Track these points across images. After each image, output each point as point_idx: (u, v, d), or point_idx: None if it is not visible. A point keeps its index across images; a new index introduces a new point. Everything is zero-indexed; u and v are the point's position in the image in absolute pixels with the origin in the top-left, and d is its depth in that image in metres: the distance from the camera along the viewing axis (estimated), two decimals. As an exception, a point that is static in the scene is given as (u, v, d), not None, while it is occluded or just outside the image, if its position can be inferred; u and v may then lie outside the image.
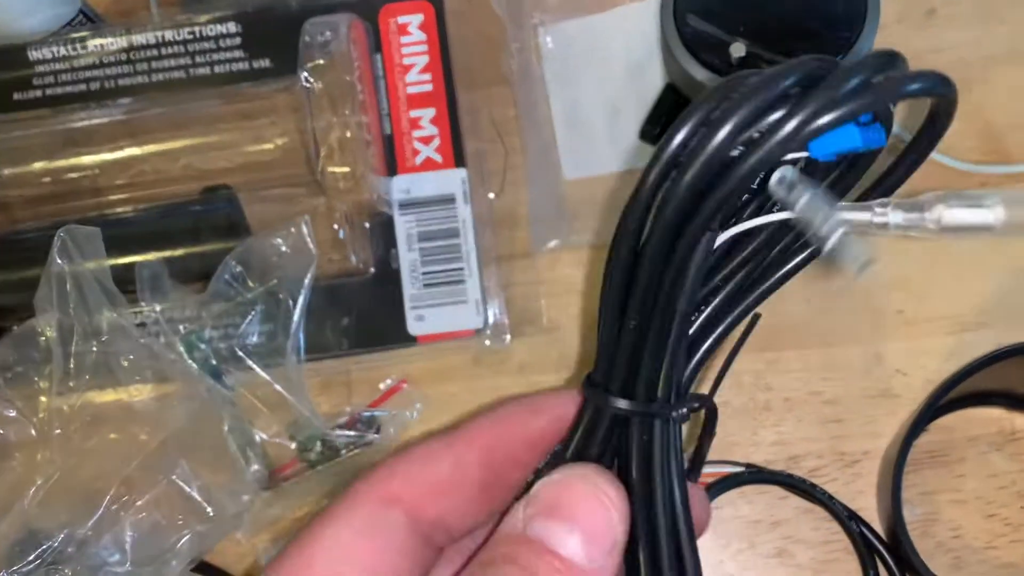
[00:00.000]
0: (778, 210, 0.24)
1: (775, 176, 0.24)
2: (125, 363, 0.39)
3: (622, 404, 0.25)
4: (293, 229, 0.44)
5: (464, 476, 0.25)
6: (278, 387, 0.45)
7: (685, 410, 0.25)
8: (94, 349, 0.38)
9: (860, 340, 0.46)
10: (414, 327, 0.48)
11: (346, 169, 0.45)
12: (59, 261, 0.36)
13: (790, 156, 0.23)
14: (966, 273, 0.46)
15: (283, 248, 0.44)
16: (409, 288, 0.48)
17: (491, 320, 0.48)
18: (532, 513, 0.23)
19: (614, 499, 0.23)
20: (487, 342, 0.48)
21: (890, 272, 0.46)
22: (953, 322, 0.45)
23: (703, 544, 0.45)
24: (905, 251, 0.47)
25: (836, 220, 0.23)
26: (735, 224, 0.25)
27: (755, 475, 0.44)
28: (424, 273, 0.48)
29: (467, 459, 0.26)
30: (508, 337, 0.48)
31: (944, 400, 0.43)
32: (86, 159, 0.49)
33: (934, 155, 0.47)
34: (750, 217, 0.25)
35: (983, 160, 0.47)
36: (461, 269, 0.48)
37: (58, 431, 0.38)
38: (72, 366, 0.38)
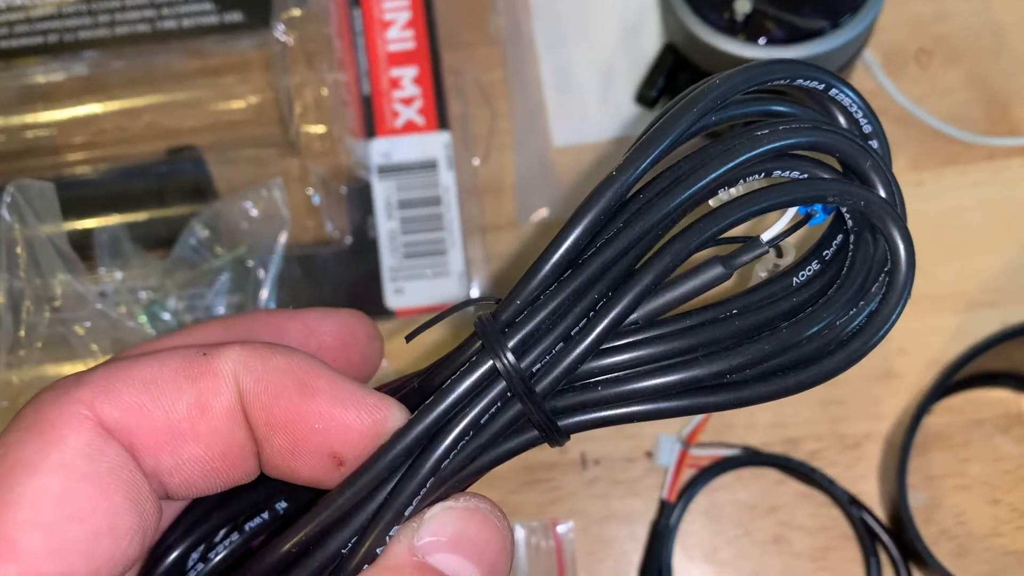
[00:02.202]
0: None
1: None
2: (81, 332, 0.36)
3: (509, 359, 0.19)
4: (264, 192, 0.41)
5: (206, 426, 0.19)
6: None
7: (554, 416, 0.20)
8: (47, 316, 0.35)
9: (862, 317, 0.43)
10: (393, 300, 0.45)
11: (322, 129, 0.42)
12: (8, 219, 0.33)
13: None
14: (973, 250, 0.44)
15: (253, 212, 0.41)
16: (388, 259, 0.45)
17: (475, 293, 0.46)
18: (432, 543, 0.20)
19: (509, 535, 0.21)
20: (470, 316, 0.46)
21: (894, 247, 0.44)
22: (958, 300, 0.43)
23: (697, 528, 0.43)
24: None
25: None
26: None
27: (752, 458, 0.41)
28: (404, 243, 0.45)
29: (214, 405, 0.19)
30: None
31: (950, 381, 0.41)
32: (43, 116, 0.46)
33: (940, 125, 0.45)
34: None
35: (989, 131, 0.45)
36: (443, 239, 0.46)
37: (5, 404, 0.35)
38: (23, 334, 0.35)
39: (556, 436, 0.20)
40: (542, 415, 0.20)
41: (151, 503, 0.19)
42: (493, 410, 0.20)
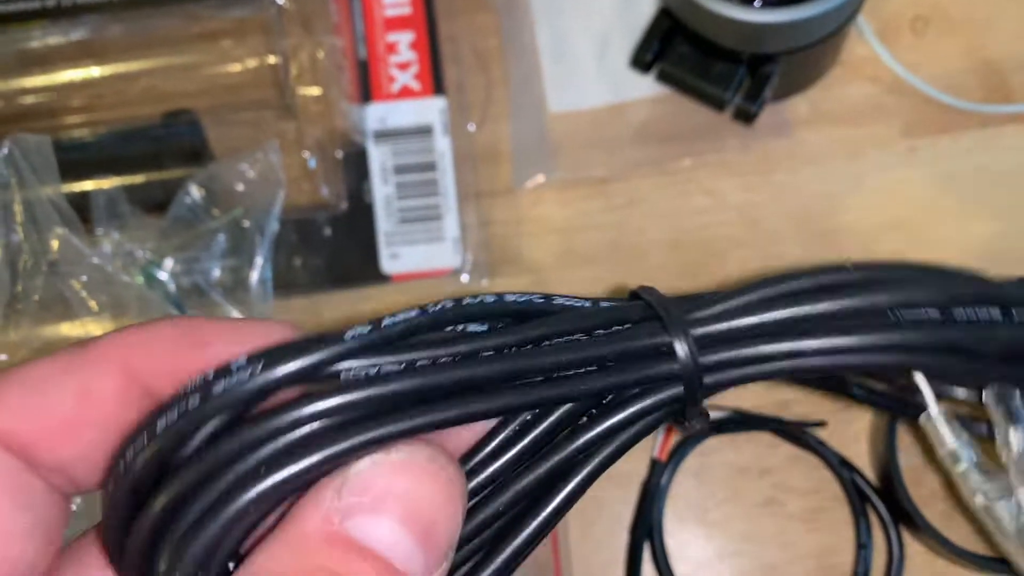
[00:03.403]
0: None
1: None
2: (78, 286, 0.36)
3: (682, 350, 0.19)
4: (260, 155, 0.41)
5: (95, 412, 0.19)
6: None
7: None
8: (44, 270, 0.35)
9: (855, 283, 0.44)
10: (388, 265, 0.46)
11: (317, 91, 0.42)
12: (5, 174, 0.34)
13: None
14: (966, 216, 0.44)
15: (250, 174, 0.42)
16: (383, 224, 0.46)
17: (470, 259, 0.46)
18: (352, 504, 0.17)
19: (460, 486, 0.18)
20: (465, 281, 0.46)
21: (889, 212, 0.44)
22: (953, 265, 0.44)
23: (687, 491, 0.43)
24: (903, 191, 0.45)
25: None
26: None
27: (743, 420, 0.42)
28: (399, 208, 0.46)
29: (99, 388, 0.19)
30: (487, 277, 0.46)
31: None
32: (41, 80, 0.46)
33: (934, 93, 0.45)
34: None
35: (985, 99, 0.46)
36: (438, 205, 0.46)
37: (3, 357, 0.35)
38: (20, 289, 0.36)
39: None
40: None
41: (51, 501, 0.19)
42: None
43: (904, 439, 0.42)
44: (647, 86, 0.46)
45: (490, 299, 0.19)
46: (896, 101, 0.46)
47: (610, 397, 0.20)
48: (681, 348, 0.19)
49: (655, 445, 0.41)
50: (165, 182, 0.43)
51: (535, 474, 0.19)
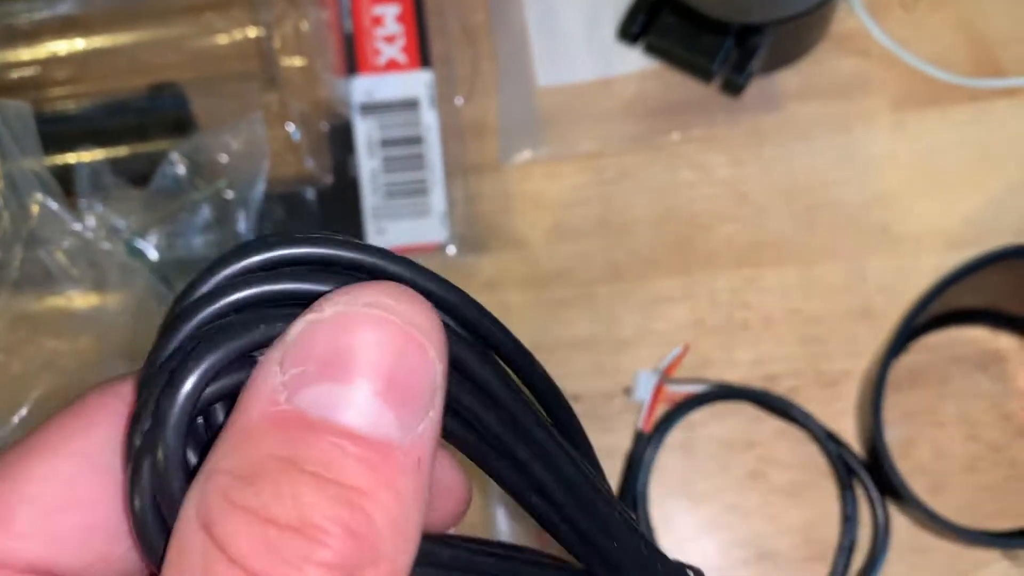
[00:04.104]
0: None
1: None
2: (59, 254, 0.36)
3: None
4: (244, 126, 0.41)
5: (62, 495, 0.17)
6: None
7: None
8: (23, 237, 0.35)
9: (842, 256, 0.44)
10: (374, 239, 0.45)
11: (302, 62, 0.42)
12: (-17, 140, 0.34)
13: None
14: (954, 190, 0.44)
15: (233, 145, 0.41)
16: (369, 198, 0.46)
17: (456, 234, 0.46)
18: (296, 375, 0.14)
19: (425, 328, 0.15)
20: (452, 256, 0.46)
21: (875, 185, 0.44)
22: (940, 238, 0.43)
23: (673, 464, 0.43)
24: (892, 164, 0.45)
25: None
26: None
27: (728, 392, 0.42)
28: (386, 183, 0.45)
29: (62, 471, 0.17)
30: (475, 252, 0.46)
31: (926, 318, 0.41)
32: (26, 54, 0.46)
33: (923, 67, 0.45)
34: None
35: (975, 73, 0.45)
36: (424, 179, 0.46)
37: (-18, 325, 0.35)
38: (-1, 257, 0.35)
39: None
40: None
41: None
42: None
43: (890, 413, 0.41)
44: (636, 60, 0.46)
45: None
46: (885, 75, 0.45)
47: None
48: None
49: (640, 417, 0.41)
50: (150, 154, 0.43)
51: None
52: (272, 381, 0.14)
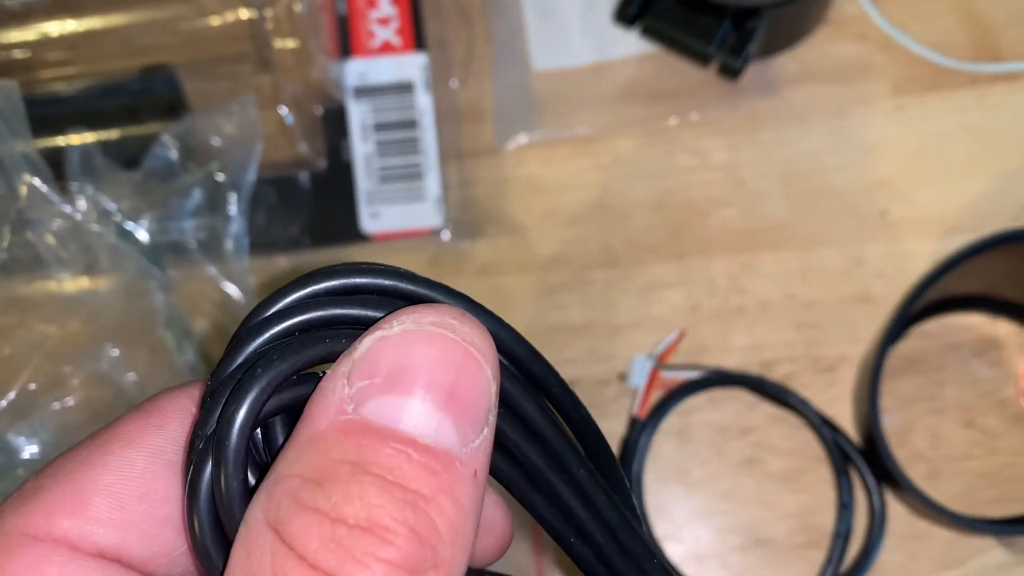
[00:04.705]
0: None
1: None
2: (48, 236, 0.35)
3: None
4: (236, 108, 0.41)
5: (135, 487, 0.18)
6: (220, 282, 0.42)
7: None
8: (12, 217, 0.35)
9: (840, 242, 0.43)
10: (368, 224, 0.45)
11: (294, 44, 0.41)
12: (-30, 120, 0.33)
13: None
14: (953, 175, 0.44)
15: (226, 128, 0.41)
16: (363, 182, 0.45)
17: (451, 218, 0.45)
18: (364, 388, 0.15)
19: (483, 349, 0.16)
20: (446, 241, 0.45)
21: (873, 171, 0.44)
22: (939, 224, 0.43)
23: (668, 450, 0.43)
24: (890, 150, 0.44)
25: None
26: None
27: (723, 377, 0.41)
28: (380, 167, 0.45)
29: (137, 464, 0.18)
30: (469, 237, 0.45)
31: (924, 304, 0.41)
32: (18, 35, 0.45)
33: (922, 51, 0.45)
34: None
35: (974, 58, 0.45)
36: (419, 163, 0.45)
37: (-30, 307, 0.35)
38: (-12, 240, 0.35)
39: None
40: None
41: None
42: None
43: (887, 399, 0.41)
44: (633, 44, 0.46)
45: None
46: (884, 59, 0.45)
47: None
48: None
49: (634, 403, 0.41)
50: (141, 137, 0.43)
51: None
52: (340, 392, 0.15)
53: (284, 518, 0.14)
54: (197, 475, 0.16)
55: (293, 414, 0.16)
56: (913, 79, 0.45)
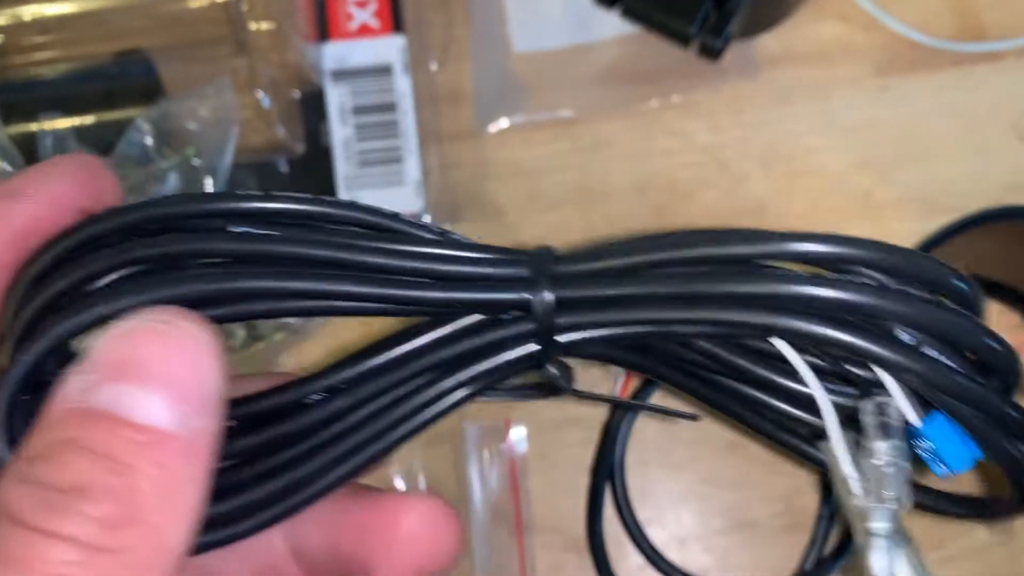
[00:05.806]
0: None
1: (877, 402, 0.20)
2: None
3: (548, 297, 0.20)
4: (212, 91, 0.40)
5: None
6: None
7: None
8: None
9: (823, 223, 0.43)
10: (349, 209, 0.45)
11: (270, 26, 0.41)
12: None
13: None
14: (937, 156, 0.43)
15: (201, 112, 0.40)
16: (342, 167, 0.45)
17: (432, 202, 0.45)
18: (94, 380, 0.17)
19: (204, 342, 0.18)
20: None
21: (859, 152, 0.44)
22: (923, 205, 0.43)
23: (651, 433, 0.42)
24: (874, 129, 0.44)
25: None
26: None
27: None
28: (359, 151, 0.45)
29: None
30: (451, 221, 0.45)
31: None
32: (-10, 21, 0.45)
33: (905, 31, 0.44)
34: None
35: (958, 37, 0.45)
36: (399, 147, 0.45)
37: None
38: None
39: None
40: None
41: None
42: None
43: (871, 380, 0.41)
44: (613, 25, 0.45)
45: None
46: (867, 39, 0.45)
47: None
48: (538, 298, 0.20)
49: (616, 386, 0.41)
50: (117, 122, 0.42)
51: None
52: (72, 384, 0.17)
53: (3, 494, 0.16)
54: None
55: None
56: (896, 59, 0.45)
